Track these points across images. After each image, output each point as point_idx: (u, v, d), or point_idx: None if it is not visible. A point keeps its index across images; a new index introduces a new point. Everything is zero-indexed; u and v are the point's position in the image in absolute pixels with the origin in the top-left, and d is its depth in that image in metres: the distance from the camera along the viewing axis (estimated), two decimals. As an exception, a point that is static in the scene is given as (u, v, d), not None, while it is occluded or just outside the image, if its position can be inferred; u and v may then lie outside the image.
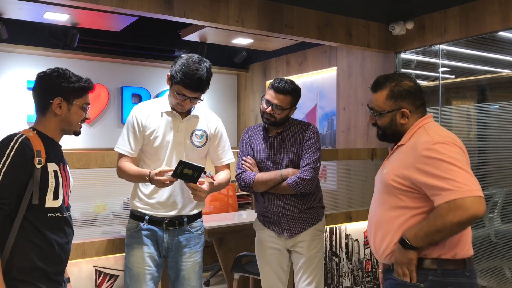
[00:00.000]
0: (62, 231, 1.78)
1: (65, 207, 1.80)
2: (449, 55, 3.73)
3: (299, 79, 5.06)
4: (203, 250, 2.39)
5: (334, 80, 4.60)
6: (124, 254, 2.38)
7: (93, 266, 2.43)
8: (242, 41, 4.63)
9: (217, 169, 2.42)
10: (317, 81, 4.91)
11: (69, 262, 1.90)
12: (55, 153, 1.80)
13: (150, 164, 2.29)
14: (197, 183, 2.07)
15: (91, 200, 3.54)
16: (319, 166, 2.49)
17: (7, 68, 4.69)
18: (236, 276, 3.11)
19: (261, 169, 2.56)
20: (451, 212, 1.58)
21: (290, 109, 2.50)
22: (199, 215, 2.37)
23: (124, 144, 2.28)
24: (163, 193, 2.25)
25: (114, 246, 2.46)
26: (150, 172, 2.08)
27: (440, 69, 3.75)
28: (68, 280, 1.97)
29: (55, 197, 1.74)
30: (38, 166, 1.68)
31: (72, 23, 4.12)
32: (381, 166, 1.92)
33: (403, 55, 3.99)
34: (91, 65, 5.18)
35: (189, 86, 2.13)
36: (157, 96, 5.69)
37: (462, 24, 3.46)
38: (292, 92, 2.46)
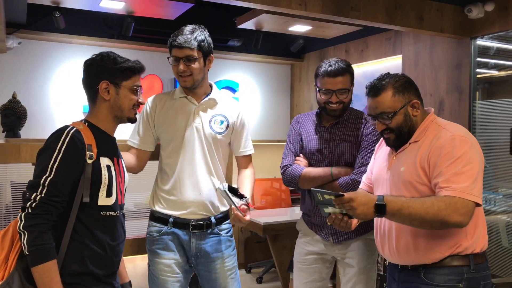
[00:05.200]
0: (115, 231, 1.66)
1: (119, 205, 1.68)
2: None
3: (359, 68, 4.76)
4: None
5: (399, 70, 4.26)
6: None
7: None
8: (299, 28, 4.40)
9: (239, 161, 2.24)
10: (379, 71, 4.55)
11: (123, 258, 1.79)
12: (107, 147, 1.68)
13: (170, 162, 2.08)
14: (238, 207, 1.91)
15: (144, 192, 3.51)
16: None
17: (65, 59, 4.72)
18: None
19: (309, 163, 2.33)
20: (449, 209, 1.53)
21: (352, 87, 2.26)
22: (227, 217, 2.20)
23: (133, 135, 2.13)
24: (186, 186, 2.05)
25: (170, 242, 2.34)
26: None
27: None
28: (130, 284, 1.86)
29: (109, 194, 1.62)
30: (89, 161, 1.56)
31: (127, 11, 4.06)
32: (388, 164, 1.83)
33: (480, 41, 3.61)
34: (146, 55, 5.14)
35: (175, 42, 2.01)
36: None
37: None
38: (348, 68, 2.24)
